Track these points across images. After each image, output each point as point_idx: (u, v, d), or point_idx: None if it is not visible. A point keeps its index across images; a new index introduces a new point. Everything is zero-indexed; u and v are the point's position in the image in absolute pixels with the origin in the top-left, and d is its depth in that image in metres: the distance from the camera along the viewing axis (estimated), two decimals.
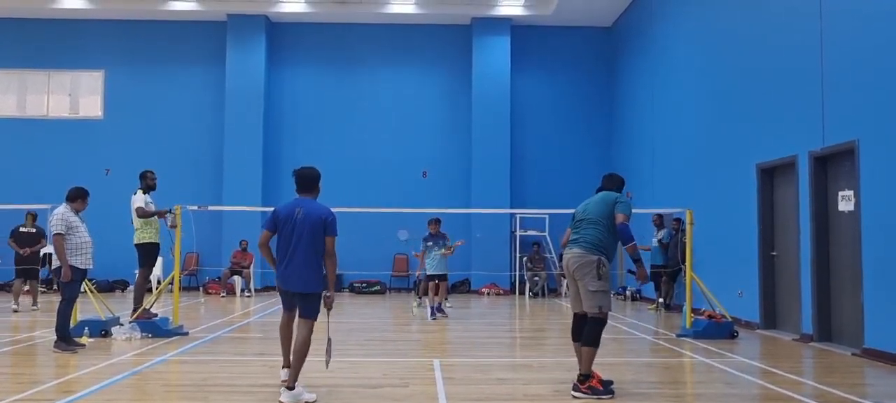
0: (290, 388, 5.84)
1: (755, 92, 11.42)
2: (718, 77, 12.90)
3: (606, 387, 6.11)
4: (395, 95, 19.81)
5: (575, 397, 6.06)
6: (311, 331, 6.02)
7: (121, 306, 12.06)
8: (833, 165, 9.57)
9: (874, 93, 8.50)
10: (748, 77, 11.68)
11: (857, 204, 8.79)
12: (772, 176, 11.17)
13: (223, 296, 16.99)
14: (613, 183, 6.73)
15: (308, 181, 6.23)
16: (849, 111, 9.00)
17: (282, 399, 5.83)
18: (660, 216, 14.35)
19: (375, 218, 17.23)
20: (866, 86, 8.66)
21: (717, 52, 13.04)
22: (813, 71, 9.69)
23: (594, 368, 6.22)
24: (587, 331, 6.22)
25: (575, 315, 6.49)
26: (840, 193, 9.24)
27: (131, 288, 10.77)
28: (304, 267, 5.95)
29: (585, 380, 6.10)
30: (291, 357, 6.03)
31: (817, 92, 9.58)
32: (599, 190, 6.76)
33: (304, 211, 6.03)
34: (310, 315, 6.05)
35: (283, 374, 6.39)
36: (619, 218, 6.25)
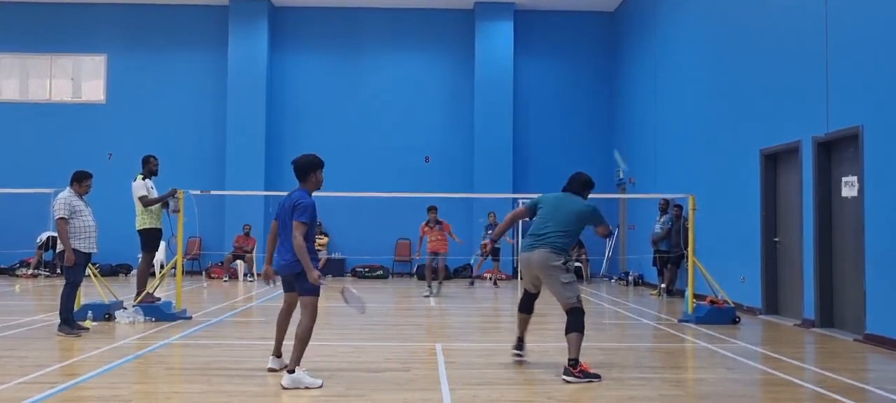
0: (291, 372, 5.84)
1: (759, 76, 11.37)
2: (721, 62, 12.84)
3: (595, 375, 6.29)
4: (397, 80, 19.74)
5: (567, 381, 6.17)
6: (311, 317, 5.97)
7: (124, 290, 12.10)
8: (837, 151, 9.54)
9: (879, 78, 8.46)
10: (751, 61, 11.61)
11: (860, 190, 8.77)
12: (775, 161, 11.14)
13: (226, 281, 17.04)
14: (583, 187, 6.91)
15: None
16: (853, 96, 8.96)
17: (282, 382, 5.85)
18: (666, 201, 14.32)
19: (378, 203, 17.27)
20: (871, 71, 8.62)
21: (720, 37, 12.97)
22: (817, 55, 9.63)
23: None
24: (571, 321, 6.40)
25: (526, 292, 6.97)
26: (843, 179, 9.22)
27: (134, 272, 10.80)
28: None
29: (576, 365, 6.24)
30: (293, 341, 5.95)
31: (822, 77, 9.54)
32: (566, 189, 6.90)
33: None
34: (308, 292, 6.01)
35: (271, 362, 6.48)
36: (602, 232, 6.86)
